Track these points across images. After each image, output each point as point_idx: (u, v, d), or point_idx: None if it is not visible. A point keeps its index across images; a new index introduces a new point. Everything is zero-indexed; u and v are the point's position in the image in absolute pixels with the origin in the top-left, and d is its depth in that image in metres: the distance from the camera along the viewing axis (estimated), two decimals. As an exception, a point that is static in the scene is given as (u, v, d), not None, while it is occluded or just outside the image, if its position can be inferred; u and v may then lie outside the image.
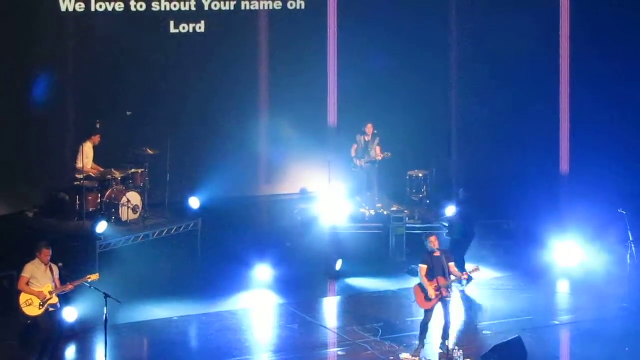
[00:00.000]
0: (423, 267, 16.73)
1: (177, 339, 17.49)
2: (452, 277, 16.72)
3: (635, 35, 23.35)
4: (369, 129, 22.86)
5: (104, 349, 15.11)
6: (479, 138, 24.13)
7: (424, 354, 16.61)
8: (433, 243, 16.84)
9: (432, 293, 16.61)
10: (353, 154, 22.98)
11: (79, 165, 20.46)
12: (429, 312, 16.74)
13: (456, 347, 16.51)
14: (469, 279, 18.56)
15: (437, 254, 16.80)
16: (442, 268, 16.71)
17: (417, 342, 16.83)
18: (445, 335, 16.79)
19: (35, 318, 15.74)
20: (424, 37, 24.33)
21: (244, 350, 16.99)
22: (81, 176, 20.34)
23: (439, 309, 16.73)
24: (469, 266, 18.14)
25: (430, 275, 16.70)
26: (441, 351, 16.71)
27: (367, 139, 22.89)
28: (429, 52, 24.39)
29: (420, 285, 16.76)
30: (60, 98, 21.88)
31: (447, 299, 16.70)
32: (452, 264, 16.83)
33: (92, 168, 20.65)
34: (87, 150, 20.68)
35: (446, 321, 16.75)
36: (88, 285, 15.78)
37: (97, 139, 20.76)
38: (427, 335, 16.77)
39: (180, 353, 16.87)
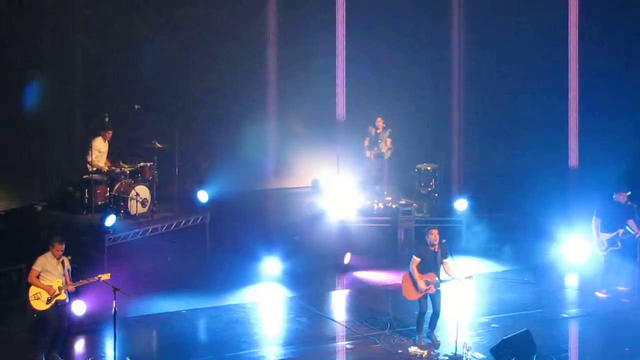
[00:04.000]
0: (416, 259, 16.64)
1: (185, 332, 17.49)
2: (446, 277, 16.59)
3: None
4: (379, 122, 22.91)
5: (113, 342, 15.14)
6: (488, 132, 24.10)
7: (433, 348, 16.60)
8: (433, 236, 16.64)
9: (422, 286, 16.56)
10: (366, 143, 23.07)
11: (88, 159, 20.50)
12: (423, 303, 16.71)
13: (465, 342, 16.48)
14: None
15: (435, 248, 16.65)
16: (436, 264, 16.63)
17: (417, 338, 16.83)
18: (432, 325, 16.84)
19: (42, 312, 15.77)
20: (432, 31, 24.37)
21: (253, 344, 16.98)
22: (91, 168, 20.37)
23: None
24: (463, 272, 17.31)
25: (423, 269, 16.64)
26: (430, 341, 16.71)
27: (378, 131, 22.92)
28: (437, 45, 24.41)
29: (410, 275, 16.71)
30: (68, 92, 21.89)
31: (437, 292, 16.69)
32: (446, 261, 16.68)
33: (104, 164, 20.67)
34: (98, 146, 20.69)
35: (435, 311, 16.76)
36: (97, 278, 15.81)
37: (108, 134, 20.77)
38: (423, 324, 16.79)
39: (188, 346, 16.86)
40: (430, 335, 16.85)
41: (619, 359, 16.25)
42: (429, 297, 16.70)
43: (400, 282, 16.87)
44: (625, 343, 16.78)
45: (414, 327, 17.07)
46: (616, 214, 19.05)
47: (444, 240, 16.97)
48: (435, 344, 16.69)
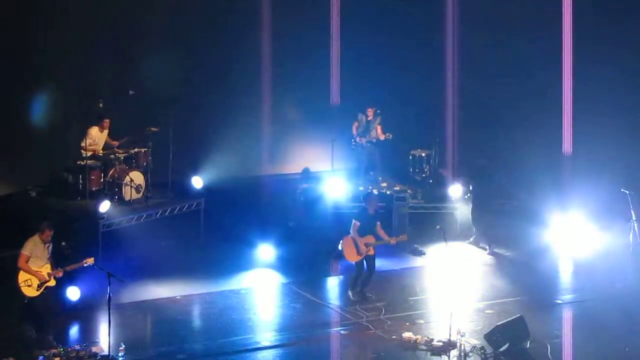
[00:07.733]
0: (356, 223, 17.82)
1: (180, 318, 17.50)
2: (382, 239, 17.85)
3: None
4: (369, 112, 22.94)
5: (107, 327, 15.16)
6: (482, 118, 24.09)
7: (427, 332, 16.63)
8: (373, 201, 18.08)
9: (362, 249, 17.78)
10: (354, 131, 23.04)
11: (82, 145, 20.47)
12: (359, 266, 17.92)
13: (459, 328, 16.50)
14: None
15: (372, 211, 17.93)
16: (372, 227, 17.85)
17: (351, 294, 18.01)
18: (365, 283, 18.03)
19: (32, 298, 15.81)
20: (426, 15, 24.31)
21: (247, 329, 17.01)
22: (85, 154, 20.35)
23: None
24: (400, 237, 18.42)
25: (362, 232, 17.80)
26: (354, 298, 17.89)
27: (368, 118, 22.92)
28: (432, 30, 24.37)
29: (352, 239, 17.83)
30: (63, 76, 21.83)
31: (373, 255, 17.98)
32: (379, 224, 17.89)
33: (99, 151, 20.63)
34: (94, 134, 20.60)
35: (370, 271, 17.98)
36: (83, 263, 15.85)
37: (105, 124, 20.67)
38: (358, 284, 17.99)
39: (183, 332, 16.88)
40: (363, 291, 17.99)
41: (611, 345, 16.29)
42: (364, 259, 17.92)
43: (341, 246, 17.96)
44: (619, 328, 16.83)
45: (408, 313, 17.19)
46: None
47: (438, 227, 17.51)
48: (369, 300, 17.82)
